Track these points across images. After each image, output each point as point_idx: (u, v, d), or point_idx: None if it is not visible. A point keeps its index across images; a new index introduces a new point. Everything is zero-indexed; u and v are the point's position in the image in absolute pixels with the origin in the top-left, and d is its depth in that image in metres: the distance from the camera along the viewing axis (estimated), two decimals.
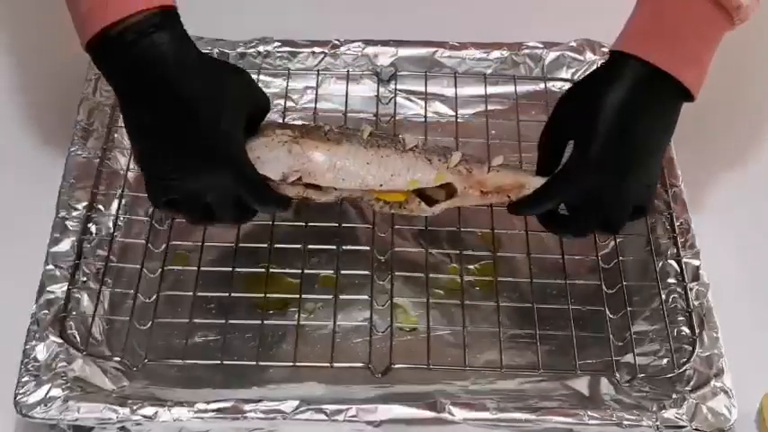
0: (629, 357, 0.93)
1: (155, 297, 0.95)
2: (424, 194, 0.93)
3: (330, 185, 0.93)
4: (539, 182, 0.93)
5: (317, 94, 1.12)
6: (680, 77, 0.86)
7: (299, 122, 1.06)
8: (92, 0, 0.83)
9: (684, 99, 0.88)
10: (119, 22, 0.82)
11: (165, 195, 0.87)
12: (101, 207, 1.00)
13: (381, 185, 0.93)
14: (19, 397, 0.86)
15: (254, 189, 0.88)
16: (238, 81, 0.89)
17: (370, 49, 1.15)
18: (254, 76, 1.10)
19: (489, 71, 1.14)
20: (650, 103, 0.87)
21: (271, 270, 0.97)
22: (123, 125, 0.95)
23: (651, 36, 0.87)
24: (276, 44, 1.14)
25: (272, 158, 0.91)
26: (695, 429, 0.87)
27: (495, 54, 1.15)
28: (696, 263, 0.97)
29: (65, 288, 0.93)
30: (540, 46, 1.14)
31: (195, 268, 0.97)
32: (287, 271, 0.97)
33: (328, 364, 0.90)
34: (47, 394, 0.86)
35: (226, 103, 0.86)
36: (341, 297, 0.95)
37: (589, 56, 1.14)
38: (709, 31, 0.87)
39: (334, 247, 0.98)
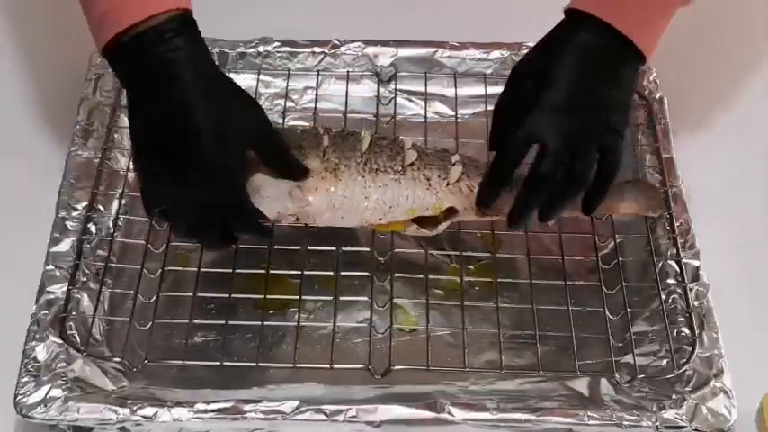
0: (628, 358, 0.93)
1: (155, 297, 0.95)
2: (423, 217, 0.94)
3: (328, 225, 0.94)
4: None
5: (317, 95, 1.12)
6: (633, 38, 0.88)
7: (299, 125, 1.06)
8: (107, 2, 0.83)
9: (637, 61, 0.90)
10: (134, 26, 0.82)
11: (157, 204, 0.87)
12: (101, 207, 1.00)
13: (380, 219, 0.94)
14: (19, 397, 0.86)
15: (243, 216, 0.89)
16: (251, 109, 0.89)
17: (370, 49, 1.15)
18: (254, 77, 1.12)
19: (489, 71, 1.14)
20: (604, 57, 0.89)
21: (271, 271, 0.97)
22: (127, 125, 0.96)
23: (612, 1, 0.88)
24: (276, 44, 1.14)
25: (271, 195, 0.92)
26: (695, 430, 0.87)
27: (495, 54, 1.15)
28: (696, 263, 0.97)
29: (65, 288, 0.93)
30: None
31: (195, 269, 0.97)
32: (287, 272, 0.97)
33: (328, 366, 0.91)
34: (47, 395, 0.87)
35: (234, 125, 0.86)
36: (341, 298, 0.96)
37: None
38: (662, 2, 0.90)
39: (333, 248, 0.98)
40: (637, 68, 0.91)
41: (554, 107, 0.89)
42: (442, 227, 0.95)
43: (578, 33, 0.89)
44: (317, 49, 1.14)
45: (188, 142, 0.85)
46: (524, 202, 0.91)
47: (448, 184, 0.94)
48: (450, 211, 0.95)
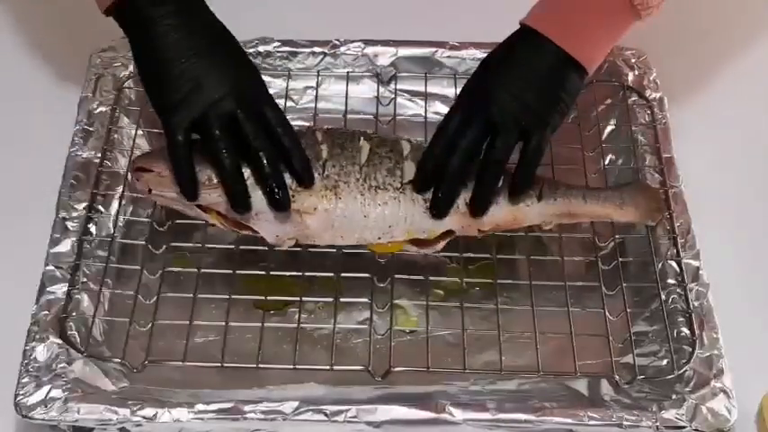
0: (628, 358, 0.93)
1: (155, 298, 0.95)
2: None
3: (328, 244, 0.94)
4: (534, 214, 0.95)
5: (317, 95, 1.12)
6: (574, 55, 0.92)
7: (300, 125, 1.06)
8: None
9: (579, 71, 0.94)
10: None
11: (189, 114, 0.89)
12: (101, 207, 1.00)
13: (380, 238, 0.94)
14: (19, 398, 0.86)
15: (280, 111, 0.94)
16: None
17: (370, 49, 1.15)
18: None
19: None
20: (545, 64, 0.93)
21: (271, 271, 0.97)
22: (127, 125, 0.97)
23: (556, 18, 0.93)
24: (276, 44, 1.14)
25: (269, 219, 0.92)
26: (695, 430, 0.87)
27: None
28: (696, 263, 0.97)
29: (65, 289, 0.93)
30: None
31: (195, 269, 0.97)
32: (287, 272, 0.97)
33: (328, 367, 0.91)
34: (47, 395, 0.87)
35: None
36: (341, 299, 0.96)
37: None
38: (615, 21, 0.94)
39: (334, 249, 0.97)
40: (579, 76, 0.94)
41: (484, 91, 0.93)
42: (440, 245, 0.96)
43: (524, 43, 0.94)
44: (317, 49, 1.14)
45: (215, 48, 0.93)
46: (445, 176, 0.93)
47: None
48: (447, 233, 0.95)
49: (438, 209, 0.94)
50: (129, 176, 1.02)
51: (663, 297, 0.96)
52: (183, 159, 0.91)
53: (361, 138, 0.97)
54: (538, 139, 0.92)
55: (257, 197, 0.92)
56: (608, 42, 0.95)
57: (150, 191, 0.94)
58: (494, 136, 0.92)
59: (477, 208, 0.94)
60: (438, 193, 0.94)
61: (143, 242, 0.99)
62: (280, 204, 0.91)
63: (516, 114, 0.92)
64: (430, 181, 0.95)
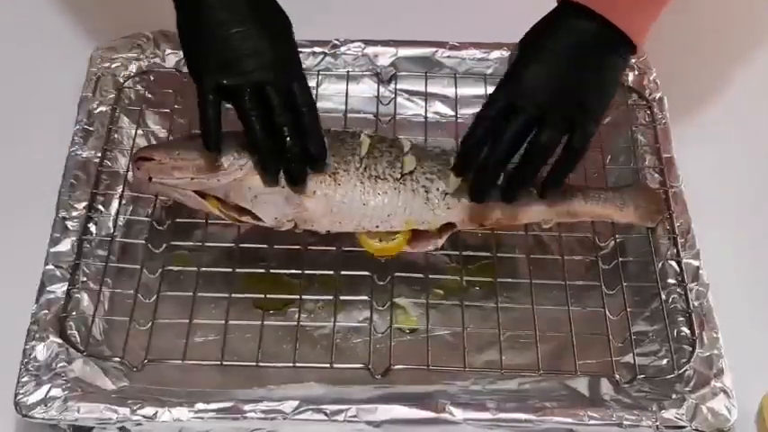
0: (628, 358, 0.93)
1: (155, 297, 0.95)
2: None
3: (326, 230, 0.94)
4: (536, 210, 0.95)
5: (317, 95, 1.12)
6: (622, 27, 0.89)
7: None
8: None
9: (625, 48, 0.91)
10: None
11: (222, 78, 0.90)
12: (101, 207, 1.00)
13: (378, 226, 0.94)
14: (19, 397, 0.86)
15: (308, 90, 0.94)
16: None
17: (370, 49, 1.15)
18: None
19: (489, 71, 1.14)
20: (590, 43, 0.91)
21: (271, 270, 0.97)
22: (127, 125, 0.97)
23: None
24: None
25: (268, 201, 0.93)
26: (695, 429, 0.87)
27: (495, 54, 1.15)
28: (696, 263, 0.97)
29: (65, 288, 0.93)
30: None
31: (195, 268, 0.97)
32: (287, 271, 0.97)
33: (328, 365, 0.91)
34: (47, 394, 0.87)
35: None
36: (341, 297, 0.96)
37: None
38: None
39: (334, 247, 0.98)
40: (625, 56, 0.92)
41: (530, 78, 0.91)
42: (441, 241, 0.96)
43: (568, 20, 0.91)
44: (317, 49, 1.14)
45: (257, 22, 0.92)
46: (488, 162, 0.91)
47: (446, 196, 0.94)
48: (448, 225, 0.95)
49: (480, 193, 0.93)
50: (129, 176, 1.02)
51: (663, 297, 0.96)
52: (212, 116, 0.91)
53: (362, 134, 0.98)
54: (582, 134, 0.90)
55: (256, 184, 0.92)
56: (652, 15, 0.92)
57: (150, 179, 0.95)
58: (540, 129, 0.90)
59: (510, 197, 0.93)
60: (479, 179, 0.92)
61: (143, 241, 0.99)
62: (295, 178, 0.92)
63: (565, 108, 0.90)
64: (470, 163, 0.93)
